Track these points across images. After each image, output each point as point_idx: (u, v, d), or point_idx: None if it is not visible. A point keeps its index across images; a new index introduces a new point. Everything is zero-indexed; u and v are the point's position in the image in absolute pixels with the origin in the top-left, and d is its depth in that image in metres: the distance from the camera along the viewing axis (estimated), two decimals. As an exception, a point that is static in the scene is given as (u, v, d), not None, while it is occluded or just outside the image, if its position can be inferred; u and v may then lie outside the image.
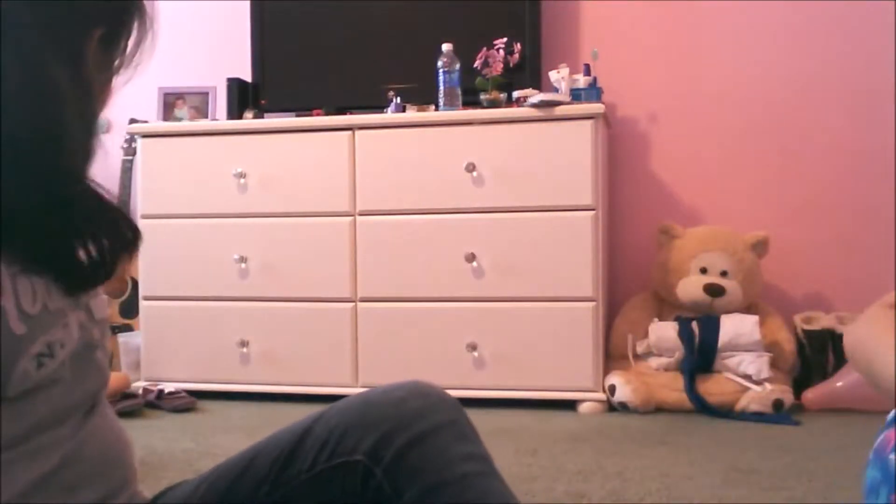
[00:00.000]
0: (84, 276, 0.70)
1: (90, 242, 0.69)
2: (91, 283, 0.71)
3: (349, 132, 2.71)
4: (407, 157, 2.67)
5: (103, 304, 0.79)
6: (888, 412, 0.83)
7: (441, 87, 2.74)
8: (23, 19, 0.67)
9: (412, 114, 2.74)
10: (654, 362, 2.64)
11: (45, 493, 0.69)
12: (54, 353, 0.67)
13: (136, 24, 0.77)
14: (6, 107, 0.64)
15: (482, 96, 2.75)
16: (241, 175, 2.76)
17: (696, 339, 2.58)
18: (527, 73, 2.83)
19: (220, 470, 0.87)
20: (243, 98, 2.98)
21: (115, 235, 0.72)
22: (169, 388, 2.69)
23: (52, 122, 0.67)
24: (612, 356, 2.73)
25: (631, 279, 3.02)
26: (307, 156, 2.74)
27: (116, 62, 0.77)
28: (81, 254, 0.69)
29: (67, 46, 0.70)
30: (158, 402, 2.64)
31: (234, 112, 2.95)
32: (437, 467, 0.77)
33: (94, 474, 0.74)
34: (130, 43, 0.77)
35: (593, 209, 2.56)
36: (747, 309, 2.71)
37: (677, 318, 2.67)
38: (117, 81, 0.79)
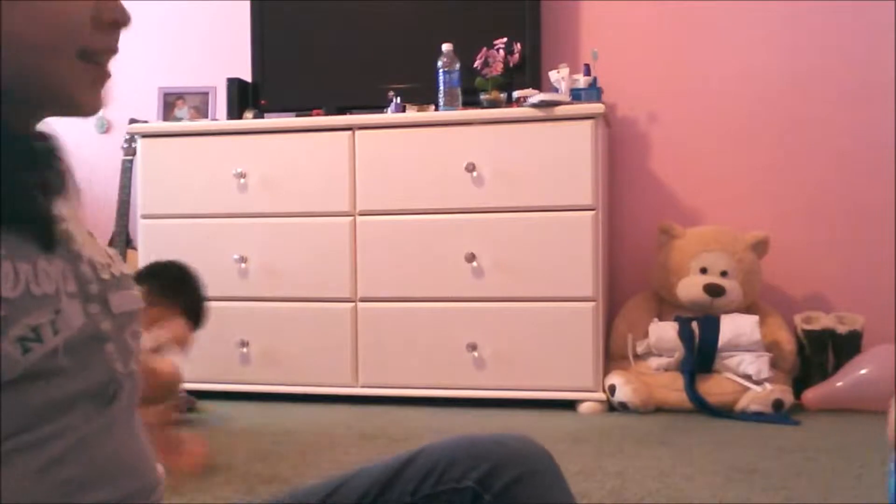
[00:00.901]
0: (48, 227, 0.68)
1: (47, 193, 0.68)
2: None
3: (349, 132, 2.71)
4: (407, 157, 2.67)
5: (128, 298, 0.75)
6: (888, 413, 0.83)
7: (441, 87, 2.74)
8: None
9: (412, 114, 2.74)
10: (654, 362, 2.64)
11: (50, 486, 0.67)
12: (42, 337, 0.64)
13: None
14: None
15: (482, 96, 2.75)
16: (242, 175, 2.76)
17: (696, 339, 2.58)
18: (527, 73, 2.83)
19: (302, 492, 0.89)
20: (243, 98, 2.98)
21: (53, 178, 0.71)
22: (169, 388, 2.69)
23: None
24: (612, 356, 2.73)
25: (631, 279, 3.02)
26: (307, 156, 2.74)
27: None
28: (43, 206, 0.68)
29: None
30: (158, 402, 2.64)
31: (234, 112, 2.95)
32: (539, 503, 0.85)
33: (106, 474, 0.71)
34: None
35: (593, 209, 2.56)
36: (747, 309, 2.71)
37: (677, 318, 2.67)
38: None
